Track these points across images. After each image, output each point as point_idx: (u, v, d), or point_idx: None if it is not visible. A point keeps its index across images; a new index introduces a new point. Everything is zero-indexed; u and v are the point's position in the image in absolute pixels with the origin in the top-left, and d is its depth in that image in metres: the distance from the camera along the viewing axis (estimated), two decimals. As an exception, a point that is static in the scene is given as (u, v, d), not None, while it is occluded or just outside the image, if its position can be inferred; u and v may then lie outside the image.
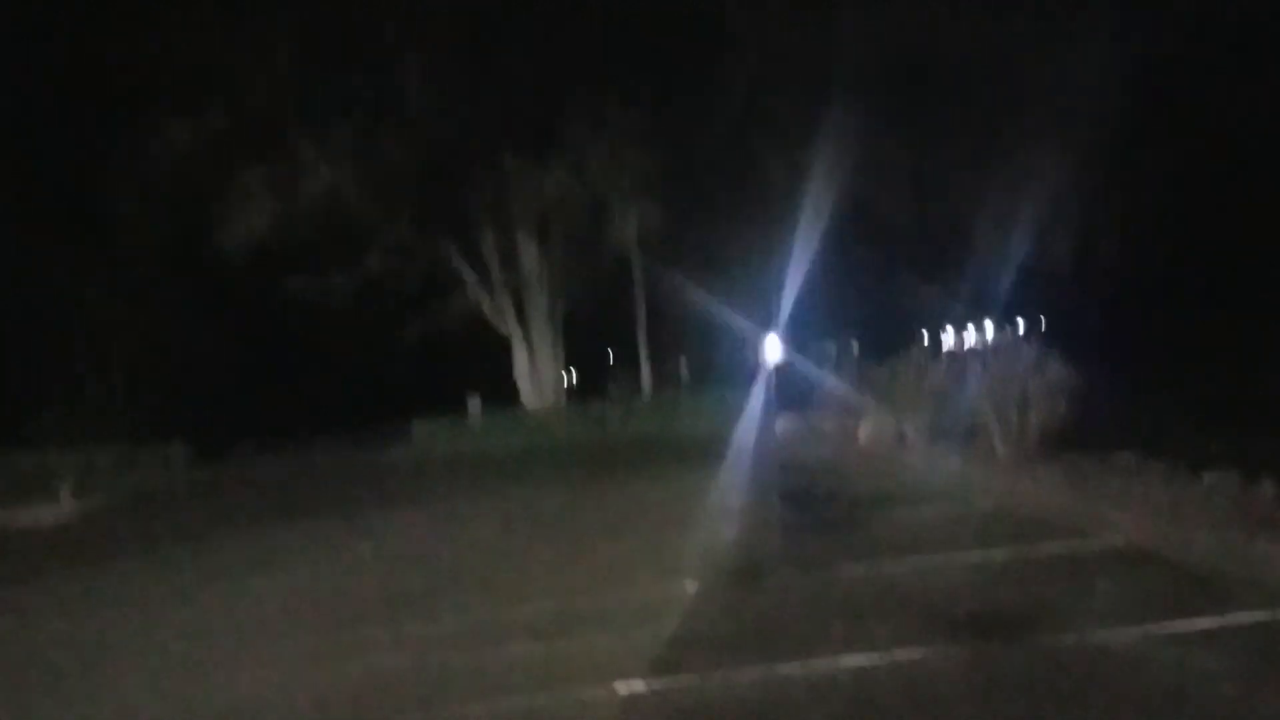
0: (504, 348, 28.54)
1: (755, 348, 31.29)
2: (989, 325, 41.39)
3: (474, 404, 29.39)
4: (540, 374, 28.15)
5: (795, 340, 32.07)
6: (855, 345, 51.18)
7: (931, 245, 31.81)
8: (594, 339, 33.37)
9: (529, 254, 26.41)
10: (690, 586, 7.23)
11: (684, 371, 41.23)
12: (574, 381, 39.44)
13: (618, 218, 23.25)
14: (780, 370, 30.30)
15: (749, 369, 29.37)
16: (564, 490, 14.73)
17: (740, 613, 6.53)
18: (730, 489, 12.46)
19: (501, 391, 29.04)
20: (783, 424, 20.25)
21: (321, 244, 23.70)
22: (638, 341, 32.15)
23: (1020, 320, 36.40)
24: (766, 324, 28.62)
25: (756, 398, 26.49)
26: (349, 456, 24.90)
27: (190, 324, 27.05)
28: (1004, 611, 6.01)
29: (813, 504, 10.57)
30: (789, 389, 27.17)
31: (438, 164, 22.17)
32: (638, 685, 5.31)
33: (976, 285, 31.84)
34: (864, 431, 15.85)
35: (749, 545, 8.70)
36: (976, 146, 26.88)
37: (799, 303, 26.46)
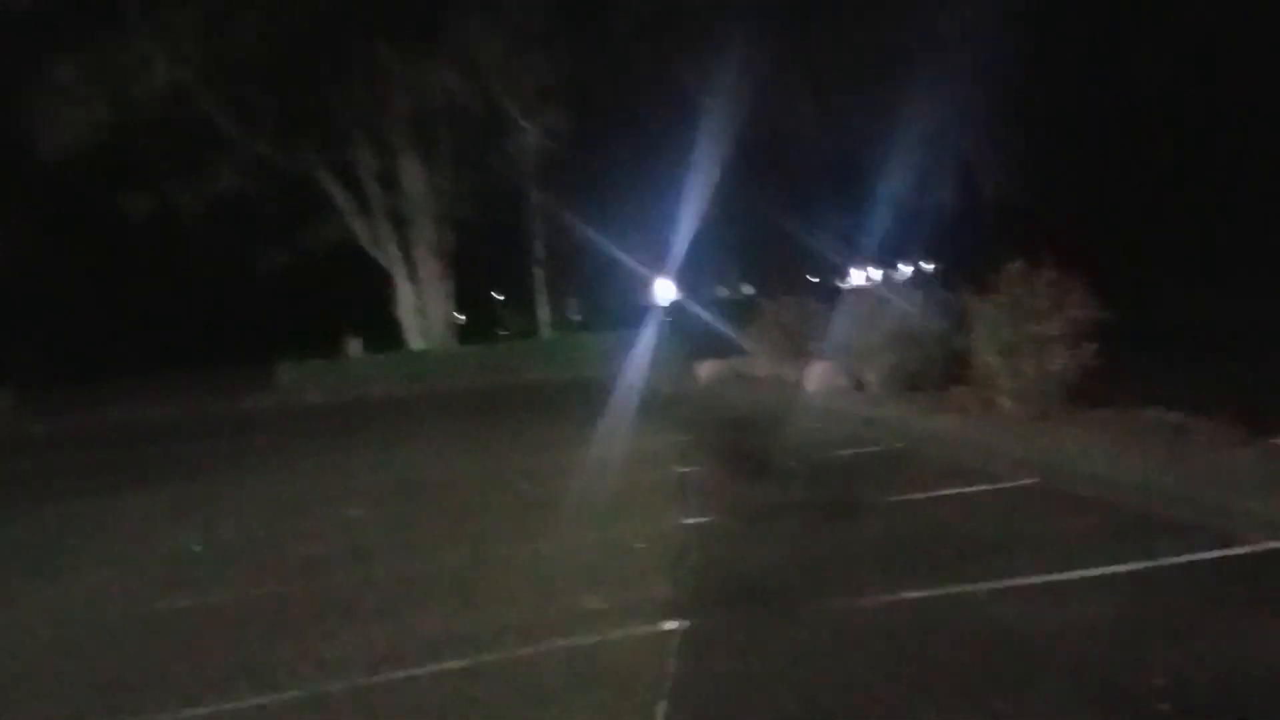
0: (384, 281, 25.35)
1: (649, 289, 29.51)
2: (901, 265, 40.34)
3: (354, 345, 26.24)
4: (428, 312, 25.13)
5: (691, 281, 30.23)
6: (750, 287, 49.87)
7: (836, 182, 30.59)
8: (480, 275, 30.35)
9: (411, 173, 23.14)
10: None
11: (576, 313, 38.89)
12: (460, 322, 36.67)
13: (515, 131, 20.16)
14: (675, 312, 28.60)
15: (642, 311, 27.44)
16: (466, 453, 12.08)
17: None
18: (675, 451, 10.07)
19: (382, 331, 25.95)
20: (707, 369, 17.95)
21: (163, 156, 19.95)
22: (533, 278, 29.51)
23: (929, 262, 35.35)
24: (661, 264, 26.73)
25: (661, 340, 24.55)
26: (201, 404, 21.49)
27: (15, 250, 22.86)
28: None
29: (792, 480, 8.23)
30: (693, 332, 25.34)
31: (300, 57, 18.65)
32: None
33: (878, 225, 30.54)
34: (812, 378, 13.68)
35: (740, 559, 6.27)
36: (887, 76, 25.24)
37: (697, 242, 24.57)
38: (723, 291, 46.72)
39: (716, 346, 21.07)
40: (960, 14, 23.24)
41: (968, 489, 7.13)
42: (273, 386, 22.94)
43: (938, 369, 12.03)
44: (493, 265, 31.31)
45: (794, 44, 22.79)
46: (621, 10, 21.33)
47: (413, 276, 25.05)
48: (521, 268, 29.66)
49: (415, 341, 25.22)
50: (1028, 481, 7.25)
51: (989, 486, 7.18)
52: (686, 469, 8.98)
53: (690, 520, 6.91)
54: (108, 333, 24.16)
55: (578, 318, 38.11)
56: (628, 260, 26.55)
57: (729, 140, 22.10)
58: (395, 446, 13.15)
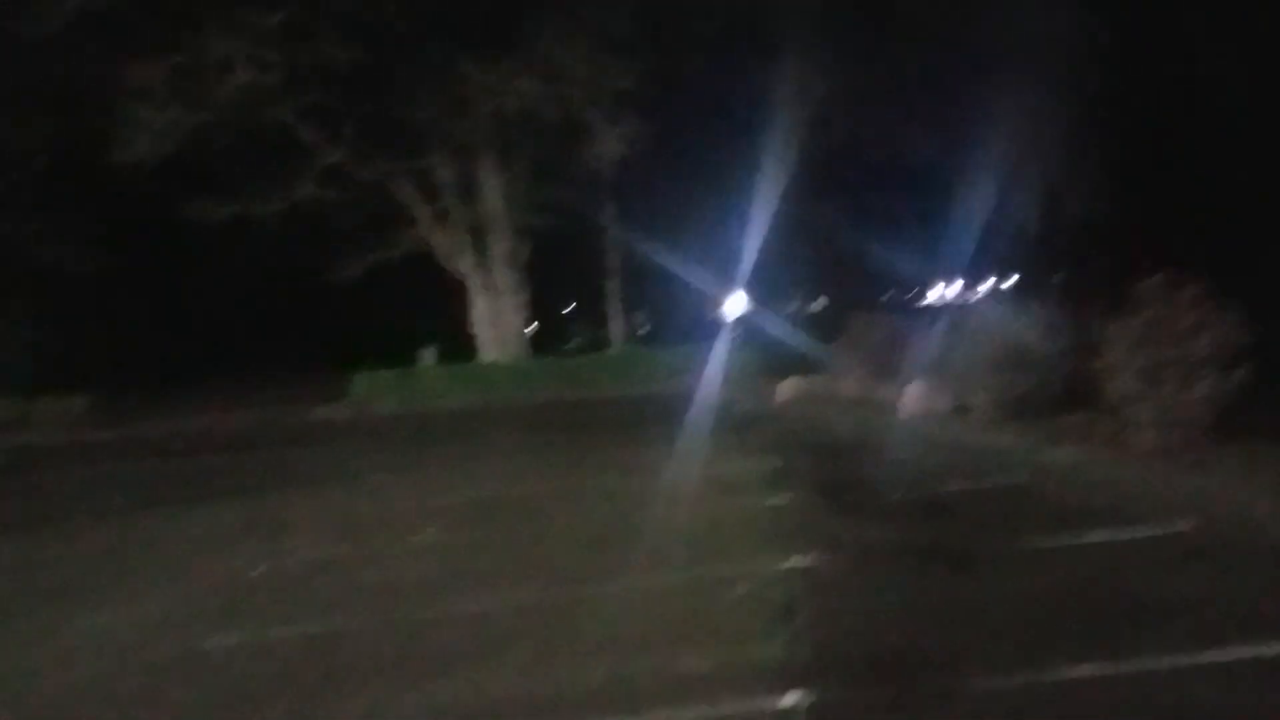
0: (458, 292, 25.02)
1: (717, 303, 28.78)
2: (988, 281, 38.79)
3: (427, 355, 25.95)
4: (501, 323, 24.70)
5: (761, 295, 29.37)
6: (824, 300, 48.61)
7: (911, 195, 29.58)
8: (550, 287, 29.90)
9: (489, 182, 22.74)
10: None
11: (644, 326, 38.29)
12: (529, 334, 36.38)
13: (597, 139, 19.58)
14: (745, 326, 27.78)
15: (711, 325, 26.77)
16: (541, 473, 11.46)
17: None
18: (763, 479, 9.28)
19: (455, 342, 25.64)
20: (787, 388, 17.08)
21: (240, 163, 19.87)
22: (604, 291, 28.99)
23: (1015, 277, 33.97)
24: (730, 277, 25.99)
25: (732, 355, 23.78)
26: (272, 414, 21.33)
27: (92, 259, 23.06)
28: None
29: (902, 517, 7.35)
30: (764, 347, 24.51)
31: (381, 67, 18.39)
32: None
33: (956, 239, 29.35)
34: (908, 400, 12.74)
35: (858, 615, 5.43)
36: (969, 91, 24.18)
37: (767, 255, 23.87)
38: (793, 306, 45.73)
39: (791, 363, 20.22)
40: (1045, 22, 22.17)
41: (1114, 535, 6.20)
42: (345, 397, 22.74)
43: (1052, 393, 11.02)
44: (563, 277, 30.87)
45: (871, 53, 21.92)
46: (698, 19, 20.69)
47: (487, 287, 24.68)
48: (592, 279, 29.21)
49: (488, 353, 24.83)
50: (1184, 527, 6.29)
51: (1139, 533, 6.24)
52: (779, 500, 8.18)
53: (792, 563, 6.11)
54: (181, 341, 24.26)
55: (646, 330, 37.55)
56: (696, 273, 25.96)
57: (802, 151, 21.41)
58: (467, 463, 12.59)
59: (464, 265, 24.33)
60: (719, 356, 23.02)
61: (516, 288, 25.12)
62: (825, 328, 27.44)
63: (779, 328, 25.88)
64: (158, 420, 21.29)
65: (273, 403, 22.78)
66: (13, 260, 21.63)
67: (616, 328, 29.53)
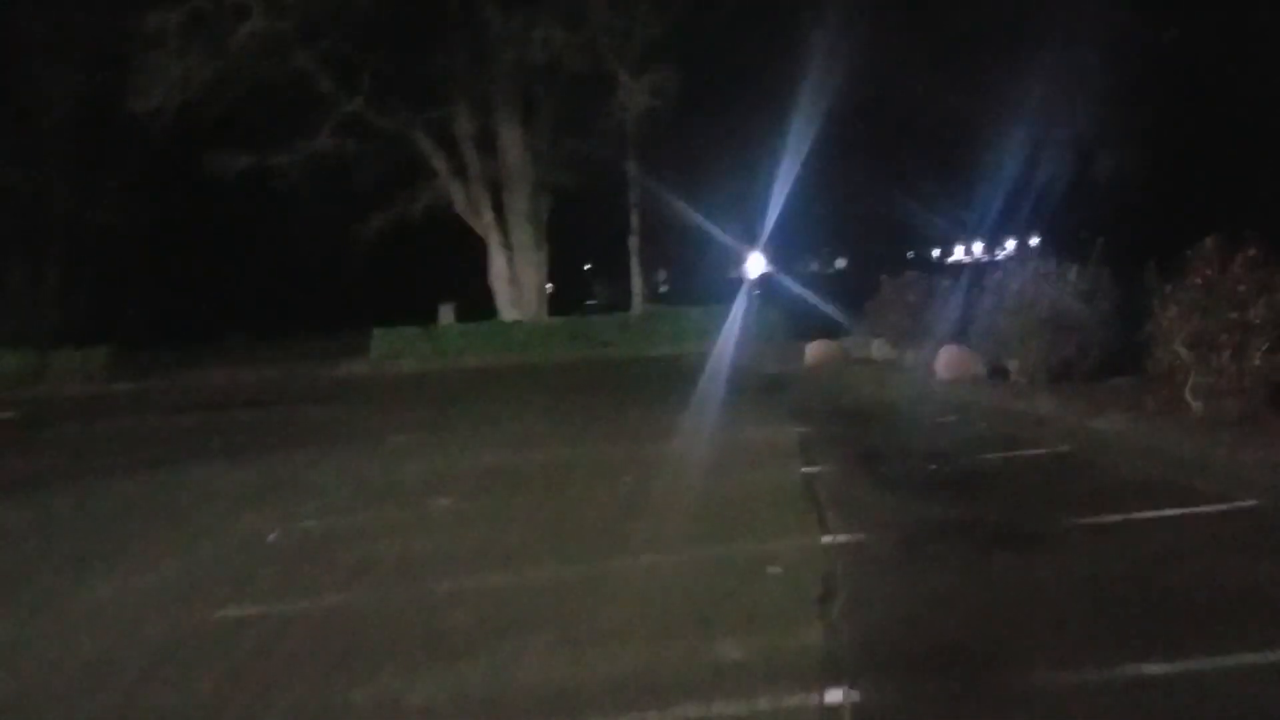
0: (478, 248, 24.67)
1: (737, 262, 28.31)
2: (1009, 242, 38.04)
3: (446, 313, 25.66)
4: (521, 281, 24.36)
5: (782, 255, 28.83)
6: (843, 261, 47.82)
7: (937, 155, 28.87)
8: (570, 244, 29.44)
9: (510, 136, 22.25)
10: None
11: (664, 285, 37.83)
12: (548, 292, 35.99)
13: (622, 91, 19.01)
14: (765, 286, 27.33)
15: (731, 285, 26.40)
16: (562, 436, 11.16)
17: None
18: (796, 446, 8.94)
19: (475, 299, 25.33)
20: (815, 350, 16.68)
21: (259, 114, 19.47)
22: (626, 249, 28.55)
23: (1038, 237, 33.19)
24: (750, 237, 25.56)
25: (754, 316, 23.40)
26: (292, 370, 21.16)
27: (115, 212, 22.82)
28: None
29: (945, 489, 6.99)
30: (786, 307, 24.07)
31: (401, 14, 17.87)
32: None
33: (983, 199, 28.74)
34: (943, 363, 12.33)
35: (904, 599, 5.10)
36: (998, 48, 23.48)
37: (787, 214, 23.44)
38: (814, 266, 45.08)
39: (815, 324, 19.95)
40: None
41: (1174, 510, 5.83)
42: (366, 353, 22.55)
43: (1095, 359, 10.61)
44: (584, 234, 30.42)
45: (900, 8, 21.26)
46: None
47: (506, 244, 24.32)
48: (613, 237, 28.74)
49: (507, 312, 24.52)
50: (1249, 503, 5.91)
51: (1201, 508, 5.86)
52: (814, 469, 7.85)
53: (831, 539, 5.78)
54: (204, 294, 24.05)
55: (665, 290, 37.06)
56: (716, 232, 25.46)
57: (824, 110, 20.84)
58: (487, 425, 12.33)
59: (484, 221, 23.94)
60: (741, 317, 22.71)
61: (536, 245, 24.73)
62: (846, 288, 27.19)
63: (800, 288, 25.51)
64: (177, 374, 21.18)
65: (294, 358, 22.62)
66: (35, 212, 21.45)
67: (638, 287, 29.13)
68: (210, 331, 23.28)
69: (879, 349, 15.43)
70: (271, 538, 7.12)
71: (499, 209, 23.91)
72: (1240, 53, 22.87)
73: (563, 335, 23.59)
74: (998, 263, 24.78)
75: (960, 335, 12.95)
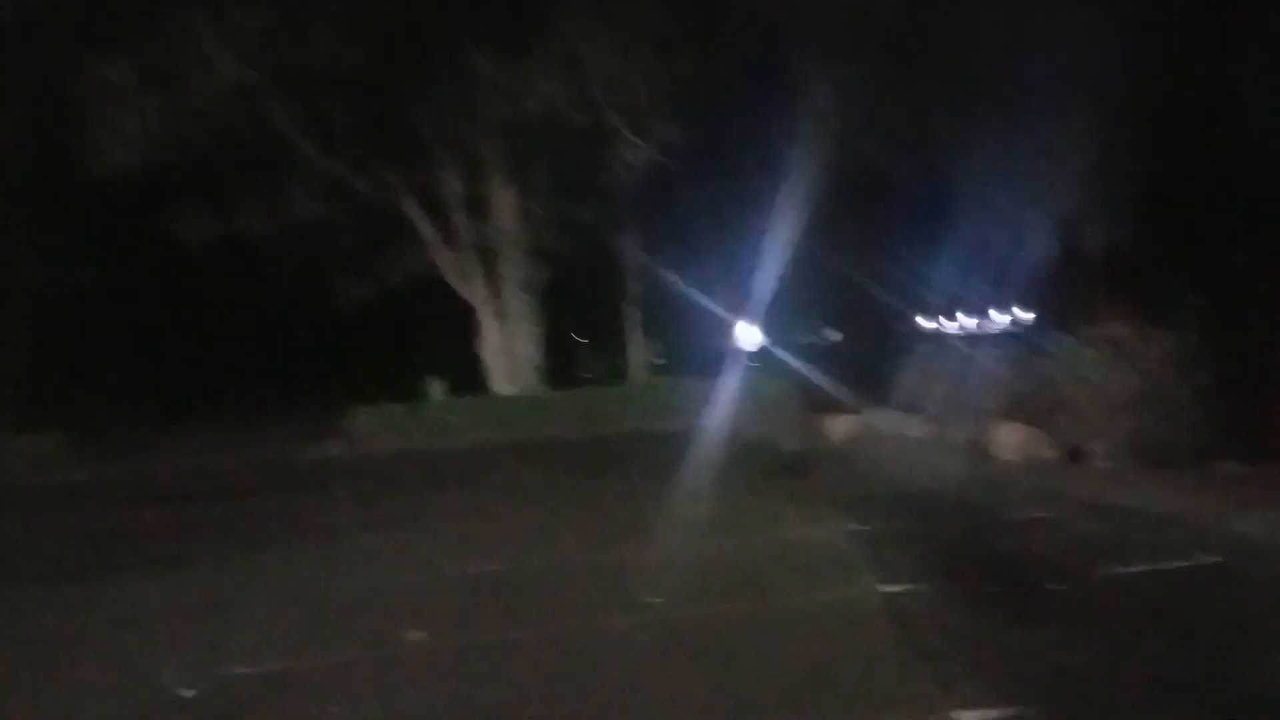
0: (468, 319, 23.09)
1: (730, 332, 27.37)
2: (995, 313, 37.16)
3: (435, 388, 23.96)
4: (514, 352, 22.74)
5: (774, 325, 27.86)
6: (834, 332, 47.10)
7: (928, 225, 28.16)
8: (562, 313, 28.01)
9: (503, 200, 20.82)
10: None
11: (658, 357, 36.56)
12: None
13: (624, 147, 17.62)
14: (761, 358, 26.14)
15: (723, 356, 25.30)
16: (566, 535, 9.39)
17: None
18: (859, 551, 7.21)
19: (464, 372, 23.67)
20: (841, 426, 14.98)
21: (229, 174, 18.02)
22: (622, 318, 27.18)
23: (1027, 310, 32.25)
24: (743, 306, 24.59)
25: (755, 388, 22.21)
26: (262, 453, 19.34)
27: (69, 281, 21.18)
28: None
29: (1089, 621, 5.26)
30: (785, 379, 22.81)
31: (384, 68, 16.52)
32: None
33: (974, 270, 27.93)
34: (1005, 443, 10.66)
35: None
36: (988, 115, 22.68)
37: (781, 284, 22.69)
38: (810, 336, 44.03)
39: (821, 396, 18.76)
40: (1072, 47, 20.68)
41: None
42: (345, 433, 20.72)
43: (1194, 439, 8.97)
44: (574, 303, 28.98)
45: (893, 79, 20.43)
46: (721, 33, 19.00)
47: (499, 314, 22.75)
48: (606, 306, 27.44)
49: (500, 385, 22.85)
50: None
51: None
52: (895, 587, 6.11)
53: (971, 715, 4.04)
54: (166, 370, 22.32)
55: (660, 361, 35.70)
56: (710, 302, 24.39)
57: (815, 179, 19.91)
58: (475, 519, 10.54)
59: (474, 289, 22.42)
60: (743, 389, 21.48)
61: (530, 314, 23.19)
62: (842, 360, 26.08)
63: (796, 359, 24.37)
64: (138, 459, 19.30)
65: (264, 440, 20.81)
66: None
67: (639, 358, 27.65)
68: (178, 410, 21.48)
69: (913, 425, 13.77)
70: (190, 692, 5.35)
71: (491, 276, 22.41)
72: (1235, 116, 22.07)
73: (559, 410, 21.86)
74: (1025, 331, 23.58)
75: (1016, 410, 11.35)
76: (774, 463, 13.13)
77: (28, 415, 20.25)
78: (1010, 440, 10.60)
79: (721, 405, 20.15)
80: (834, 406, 16.97)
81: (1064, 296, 24.92)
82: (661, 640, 5.52)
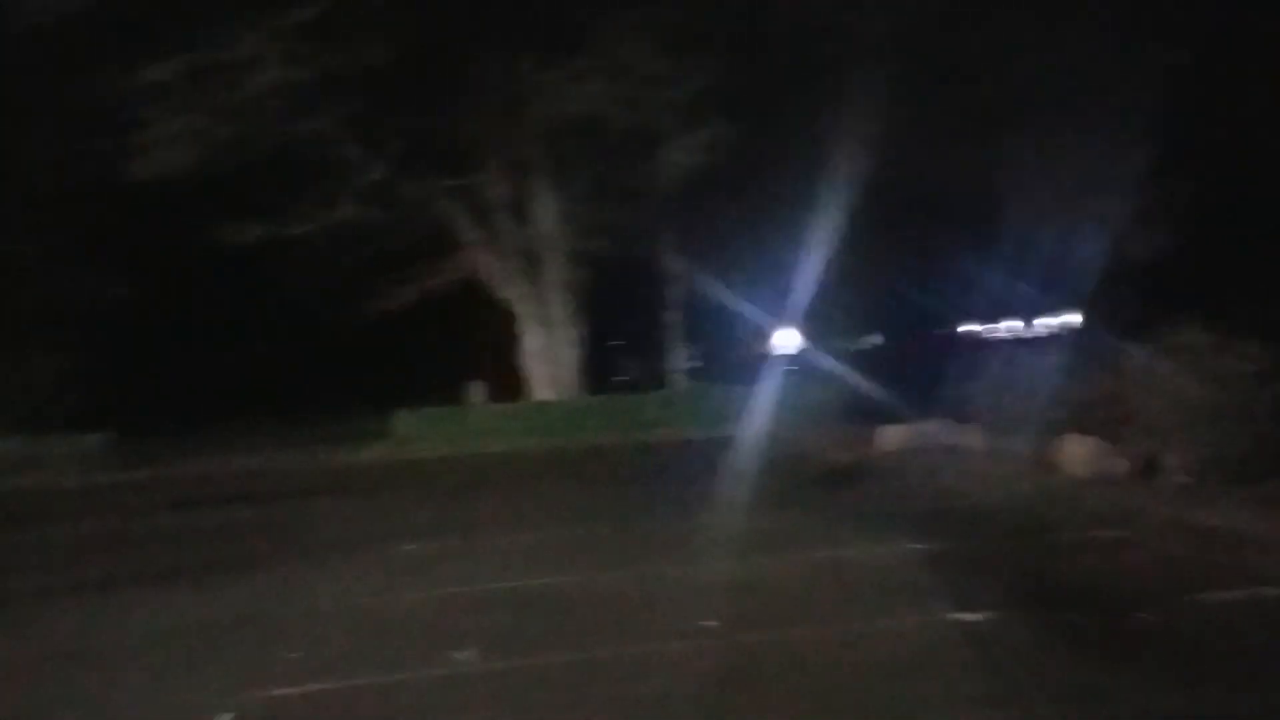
0: (509, 323, 22.94)
1: (768, 337, 27.05)
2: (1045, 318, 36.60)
3: (476, 392, 23.83)
4: (556, 357, 22.54)
5: (813, 330, 27.48)
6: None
7: (977, 229, 27.67)
8: (600, 317, 27.79)
9: (545, 203, 20.62)
10: None
11: (695, 361, 36.23)
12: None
13: (668, 149, 17.30)
14: (801, 363, 25.70)
15: (761, 361, 24.96)
16: (610, 549, 9.10)
17: None
18: (923, 574, 6.84)
19: (504, 377, 23.52)
20: (892, 437, 14.52)
21: (275, 182, 17.99)
22: (661, 323, 26.86)
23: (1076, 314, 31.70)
24: (782, 310, 24.20)
25: (797, 395, 21.79)
26: (304, 456, 19.30)
27: (116, 286, 21.25)
28: None
29: (1193, 658, 4.87)
30: (826, 385, 22.37)
31: (427, 72, 16.38)
32: None
33: (1023, 274, 27.57)
34: (1072, 457, 10.20)
35: None
36: (1040, 116, 22.25)
37: (821, 288, 22.67)
38: (849, 341, 43.44)
39: (859, 403, 18.37)
40: (1118, 54, 20.24)
41: None
42: (387, 437, 20.66)
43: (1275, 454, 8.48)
44: (613, 308, 28.71)
45: (938, 85, 20.09)
46: (759, 46, 18.69)
47: (540, 318, 22.56)
48: (646, 310, 27.13)
49: (541, 390, 22.67)
50: None
51: None
52: (970, 616, 5.73)
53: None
54: (210, 373, 22.35)
55: (697, 366, 35.31)
56: (747, 305, 24.14)
57: (858, 181, 19.69)
58: (519, 528, 10.28)
59: (516, 294, 22.26)
60: (783, 396, 21.08)
61: (572, 318, 22.97)
62: (883, 365, 25.64)
63: (837, 365, 23.92)
64: (179, 463, 19.36)
65: (308, 442, 20.78)
66: (31, 287, 19.98)
67: (678, 363, 27.32)
68: (219, 413, 21.50)
69: (971, 436, 13.30)
70: (227, 716, 5.13)
71: (533, 280, 22.23)
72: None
73: (600, 416, 21.62)
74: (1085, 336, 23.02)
75: (1081, 420, 10.87)
76: (823, 473, 12.77)
77: (75, 417, 20.37)
78: (1077, 453, 10.14)
79: (763, 412, 19.78)
80: (880, 415, 16.52)
81: (1123, 302, 24.35)
82: (721, 668, 5.21)
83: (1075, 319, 31.67)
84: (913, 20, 18.66)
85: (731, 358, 29.66)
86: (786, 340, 26.48)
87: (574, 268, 22.29)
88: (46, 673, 6.06)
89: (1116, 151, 21.20)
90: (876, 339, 45.84)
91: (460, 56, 16.84)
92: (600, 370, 31.73)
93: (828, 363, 24.48)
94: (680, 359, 27.49)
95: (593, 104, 16.68)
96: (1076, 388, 11.38)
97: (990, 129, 21.93)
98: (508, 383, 23.34)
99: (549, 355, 22.63)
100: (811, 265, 21.58)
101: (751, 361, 26.16)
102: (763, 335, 28.15)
